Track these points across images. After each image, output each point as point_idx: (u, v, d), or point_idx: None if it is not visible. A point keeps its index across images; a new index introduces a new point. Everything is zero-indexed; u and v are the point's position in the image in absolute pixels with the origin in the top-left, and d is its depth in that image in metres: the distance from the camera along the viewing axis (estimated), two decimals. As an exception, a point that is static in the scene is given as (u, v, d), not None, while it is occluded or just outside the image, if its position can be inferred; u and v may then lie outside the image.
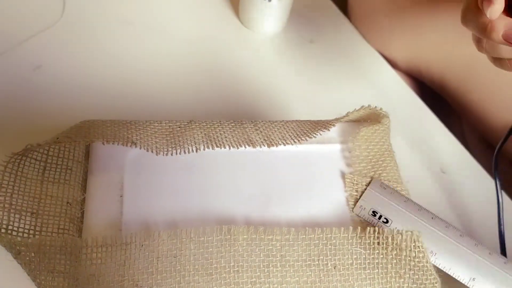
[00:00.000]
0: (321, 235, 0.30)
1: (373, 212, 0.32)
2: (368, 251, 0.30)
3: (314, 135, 0.34)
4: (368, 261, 0.30)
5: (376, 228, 0.30)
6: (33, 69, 0.47)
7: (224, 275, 0.29)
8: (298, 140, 0.33)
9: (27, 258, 0.28)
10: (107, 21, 0.53)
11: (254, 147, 0.33)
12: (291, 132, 0.35)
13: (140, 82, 0.49)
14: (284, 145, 0.33)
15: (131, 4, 0.56)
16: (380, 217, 0.32)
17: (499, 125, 0.42)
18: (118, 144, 0.31)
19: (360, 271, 0.29)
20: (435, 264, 0.31)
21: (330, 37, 0.58)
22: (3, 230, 0.29)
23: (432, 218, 0.33)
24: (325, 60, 0.55)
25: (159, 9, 0.56)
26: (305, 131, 0.34)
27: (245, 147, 0.33)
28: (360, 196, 0.33)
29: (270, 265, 0.29)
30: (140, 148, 0.32)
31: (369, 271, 0.30)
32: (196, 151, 0.32)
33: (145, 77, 0.49)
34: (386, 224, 0.32)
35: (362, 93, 0.52)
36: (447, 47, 0.49)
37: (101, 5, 0.55)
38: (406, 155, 0.47)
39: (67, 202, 0.31)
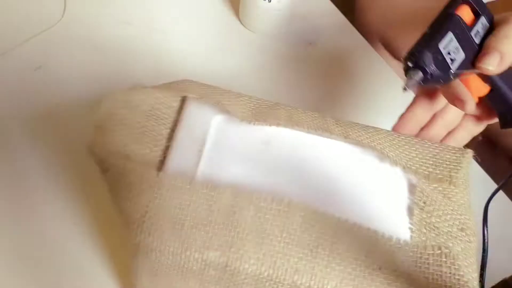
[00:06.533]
0: (368, 235, 0.31)
1: None
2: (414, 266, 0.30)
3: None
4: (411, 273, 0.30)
5: (427, 245, 0.30)
6: (34, 69, 0.47)
7: (275, 243, 0.30)
8: (375, 148, 0.34)
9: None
10: (107, 21, 0.53)
11: (331, 134, 0.34)
12: (373, 139, 0.35)
13: (140, 82, 0.48)
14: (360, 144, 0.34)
15: (131, 5, 0.55)
16: None
17: (497, 124, 0.40)
18: (209, 104, 0.34)
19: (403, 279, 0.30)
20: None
21: (330, 39, 0.57)
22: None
23: None
24: (324, 61, 0.54)
25: (159, 9, 0.56)
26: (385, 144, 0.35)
27: (323, 134, 0.34)
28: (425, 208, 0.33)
29: (319, 248, 0.30)
30: (228, 113, 0.34)
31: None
32: (277, 125, 0.34)
33: (145, 77, 0.49)
34: None
35: (361, 93, 0.51)
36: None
37: (101, 6, 0.54)
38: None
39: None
